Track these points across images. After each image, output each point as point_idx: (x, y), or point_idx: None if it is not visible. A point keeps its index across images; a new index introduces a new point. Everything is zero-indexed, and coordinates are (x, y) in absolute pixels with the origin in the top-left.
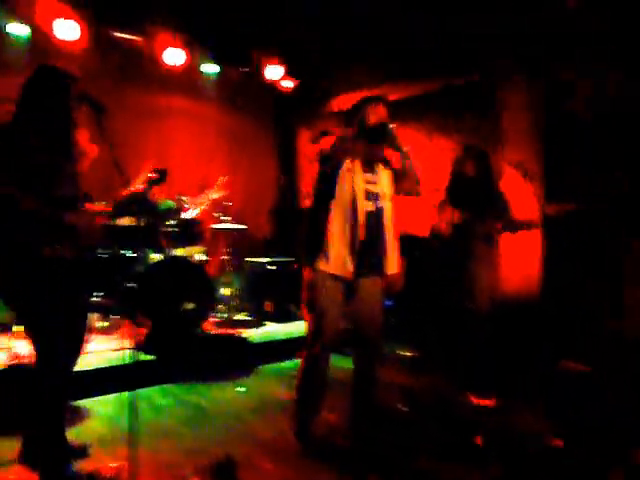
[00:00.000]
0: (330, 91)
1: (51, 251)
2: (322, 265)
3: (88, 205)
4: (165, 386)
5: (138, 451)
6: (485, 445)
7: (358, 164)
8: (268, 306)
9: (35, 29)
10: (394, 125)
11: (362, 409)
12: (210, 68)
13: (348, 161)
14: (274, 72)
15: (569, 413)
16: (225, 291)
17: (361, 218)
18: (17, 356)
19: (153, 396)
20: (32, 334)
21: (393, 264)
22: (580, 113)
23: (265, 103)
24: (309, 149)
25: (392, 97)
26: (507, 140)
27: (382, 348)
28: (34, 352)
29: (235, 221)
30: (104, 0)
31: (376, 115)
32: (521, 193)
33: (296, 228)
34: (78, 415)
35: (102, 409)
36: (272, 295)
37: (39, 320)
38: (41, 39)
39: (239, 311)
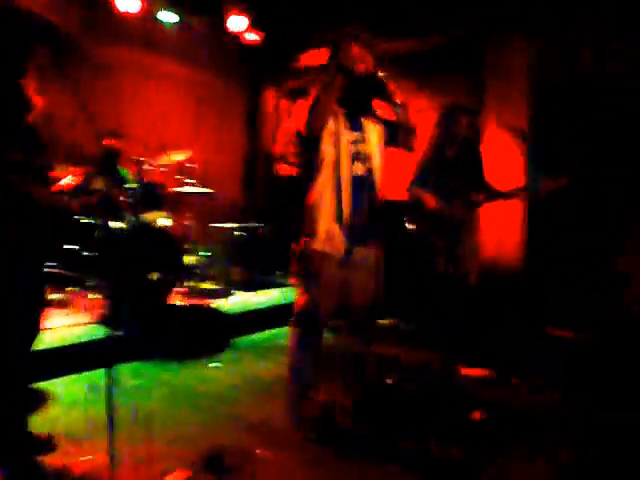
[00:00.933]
0: (297, 46)
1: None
2: (310, 242)
3: (51, 174)
4: (134, 364)
5: (112, 442)
6: (485, 420)
7: (342, 122)
8: (236, 274)
9: None
10: (386, 73)
11: (355, 386)
12: (169, 17)
13: (330, 121)
14: (238, 23)
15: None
16: (190, 259)
17: (346, 185)
18: None
19: (122, 376)
20: None
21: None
22: (572, 81)
23: (231, 58)
24: (282, 107)
25: None
26: (491, 103)
27: (375, 321)
28: None
29: (200, 184)
30: None
31: (361, 60)
32: (506, 158)
33: (262, 192)
34: (38, 400)
35: (65, 392)
36: (239, 262)
37: None
38: None
39: (205, 280)
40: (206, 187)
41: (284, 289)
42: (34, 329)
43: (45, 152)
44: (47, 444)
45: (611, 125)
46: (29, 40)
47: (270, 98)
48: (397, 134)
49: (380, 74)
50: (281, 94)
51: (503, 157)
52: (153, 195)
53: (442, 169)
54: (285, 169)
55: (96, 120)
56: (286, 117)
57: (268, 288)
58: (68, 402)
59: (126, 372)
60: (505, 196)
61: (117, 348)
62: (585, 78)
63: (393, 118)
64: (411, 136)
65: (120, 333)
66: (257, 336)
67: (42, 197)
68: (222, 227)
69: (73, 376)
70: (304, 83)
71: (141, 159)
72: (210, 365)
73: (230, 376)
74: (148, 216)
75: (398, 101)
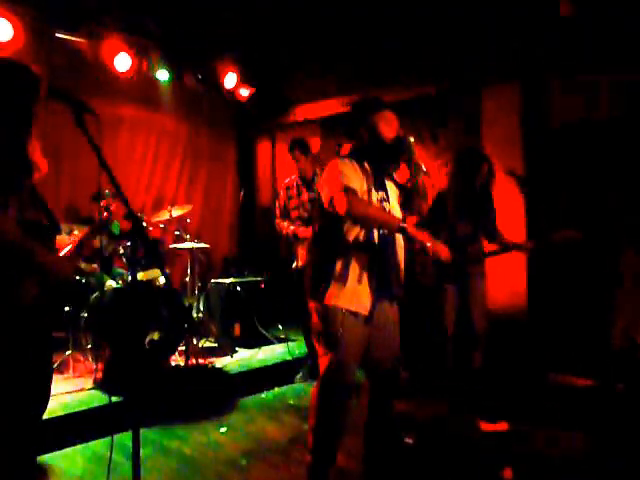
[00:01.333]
0: (292, 99)
1: (28, 297)
2: (335, 300)
3: (59, 238)
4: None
5: None
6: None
7: (370, 183)
8: (237, 330)
9: None
10: (412, 139)
11: (379, 447)
12: (165, 75)
13: (363, 179)
14: (231, 80)
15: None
16: (191, 316)
17: (376, 244)
18: None
19: (127, 445)
20: None
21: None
22: (563, 125)
23: (224, 112)
24: (278, 159)
25: None
26: (487, 148)
27: (400, 379)
28: None
29: (196, 239)
30: None
31: (390, 126)
32: (506, 203)
33: (259, 245)
34: (40, 476)
35: (68, 466)
36: (240, 318)
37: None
38: None
39: (207, 337)
40: (199, 240)
41: (288, 344)
42: (46, 396)
43: (50, 216)
44: None
45: (605, 169)
46: (35, 97)
47: (263, 150)
48: (412, 200)
49: (409, 139)
50: (294, 149)
51: (503, 201)
52: (152, 252)
53: (458, 216)
54: (286, 226)
55: (118, 180)
56: (290, 170)
57: (271, 343)
58: (72, 476)
59: (131, 441)
60: (518, 248)
61: (119, 414)
62: (577, 122)
63: (413, 185)
64: (424, 202)
65: (121, 398)
66: (265, 395)
67: (50, 261)
68: (221, 282)
69: (75, 447)
70: (301, 134)
71: (140, 215)
72: (218, 429)
73: (241, 440)
74: (147, 274)
75: (422, 167)
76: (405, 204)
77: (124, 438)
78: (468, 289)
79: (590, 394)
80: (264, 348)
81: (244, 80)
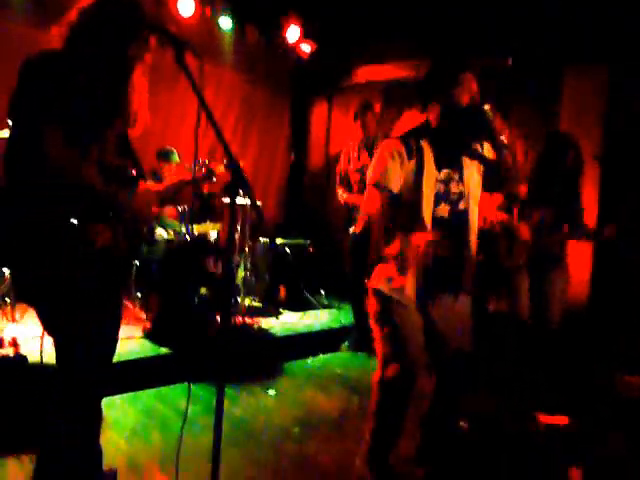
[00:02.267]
0: (355, 60)
1: (103, 240)
2: (384, 286)
3: (143, 186)
4: (185, 386)
5: None
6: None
7: (430, 158)
8: (282, 292)
9: None
10: (490, 107)
11: (438, 436)
12: (227, 24)
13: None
14: (294, 34)
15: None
16: (237, 274)
17: (427, 228)
18: (11, 343)
19: (175, 400)
20: (57, 338)
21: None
22: None
23: (282, 69)
24: (353, 125)
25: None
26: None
27: (464, 375)
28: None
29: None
30: None
31: (468, 93)
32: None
33: (303, 208)
34: None
35: (119, 415)
36: (286, 280)
37: (69, 328)
38: None
39: (250, 296)
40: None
41: (331, 311)
42: (116, 340)
43: (137, 164)
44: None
45: None
46: (138, 39)
47: (319, 112)
48: (496, 177)
49: (486, 107)
50: (357, 109)
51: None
52: (207, 205)
53: (535, 203)
54: (344, 196)
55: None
56: (345, 135)
57: (316, 309)
58: (122, 427)
59: (178, 395)
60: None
61: (165, 366)
62: None
63: (496, 160)
64: (517, 183)
65: (168, 350)
66: (310, 361)
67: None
68: (269, 242)
69: (123, 396)
70: (362, 97)
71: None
72: (266, 393)
73: (291, 408)
74: (201, 227)
75: (503, 140)
76: (488, 182)
77: (172, 392)
78: (546, 282)
79: None
80: (309, 313)
81: (307, 35)
